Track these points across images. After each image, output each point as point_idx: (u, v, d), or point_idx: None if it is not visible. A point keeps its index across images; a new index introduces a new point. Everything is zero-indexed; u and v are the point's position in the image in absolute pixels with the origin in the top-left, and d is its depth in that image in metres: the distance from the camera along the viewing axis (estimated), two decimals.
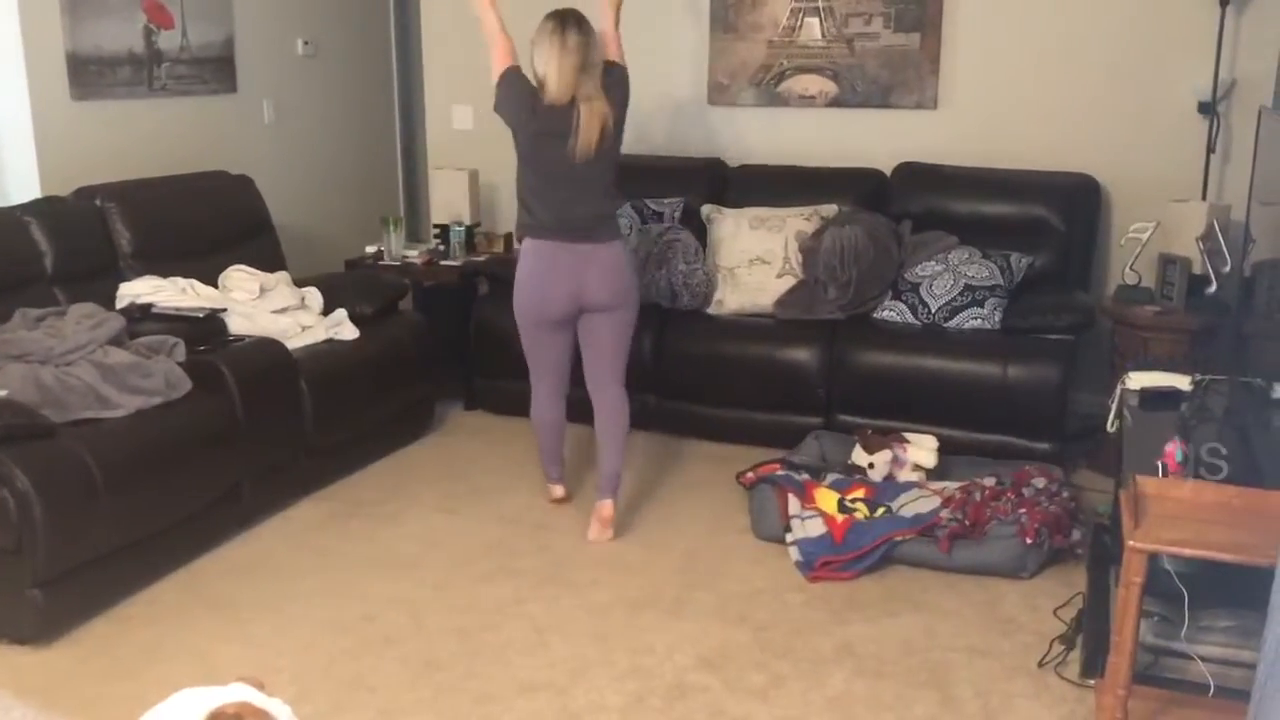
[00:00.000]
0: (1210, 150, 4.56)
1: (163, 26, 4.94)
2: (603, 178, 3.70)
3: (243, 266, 4.46)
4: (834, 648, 3.16)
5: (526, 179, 3.73)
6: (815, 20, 5.14)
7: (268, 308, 4.32)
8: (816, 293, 4.65)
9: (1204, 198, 4.52)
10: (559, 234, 3.67)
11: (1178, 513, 2.49)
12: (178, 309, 4.10)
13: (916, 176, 4.97)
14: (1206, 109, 4.56)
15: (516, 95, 3.66)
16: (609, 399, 3.85)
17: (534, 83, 3.64)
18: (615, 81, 3.70)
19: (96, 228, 4.27)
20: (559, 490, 4.13)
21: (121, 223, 4.33)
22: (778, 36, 5.20)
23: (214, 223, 4.68)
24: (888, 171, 5.04)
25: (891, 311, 4.60)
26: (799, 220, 4.82)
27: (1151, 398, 3.39)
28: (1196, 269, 4.22)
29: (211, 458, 3.66)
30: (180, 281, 4.25)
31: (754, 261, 4.78)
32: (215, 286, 4.37)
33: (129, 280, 4.22)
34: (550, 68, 3.58)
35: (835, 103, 5.18)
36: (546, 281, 3.69)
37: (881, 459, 4.02)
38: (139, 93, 4.86)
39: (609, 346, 3.81)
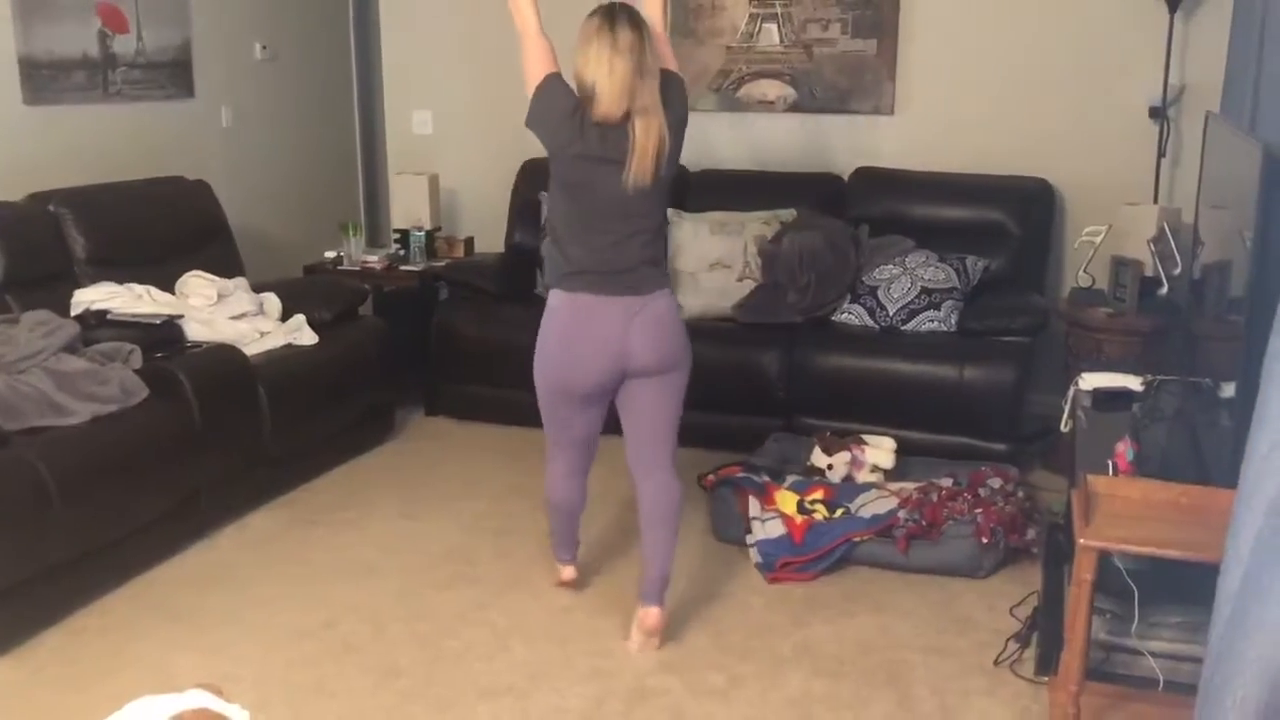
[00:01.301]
0: (1161, 154, 4.64)
1: (117, 31, 4.90)
2: (655, 213, 3.07)
3: (200, 272, 4.43)
4: (793, 648, 3.18)
5: (563, 213, 3.07)
6: (773, 26, 5.18)
7: (225, 314, 4.29)
8: (776, 296, 4.68)
9: (1155, 201, 4.60)
10: (600, 285, 3.00)
11: (1128, 511, 2.54)
12: (134, 315, 4.07)
13: (874, 181, 5.02)
14: (1157, 114, 4.64)
15: (559, 108, 2.96)
16: (657, 485, 3.18)
17: (578, 94, 2.97)
18: (674, 93, 3.03)
19: (50, 233, 4.22)
20: (569, 572, 3.49)
21: (76, 228, 4.28)
22: (736, 42, 5.23)
23: (171, 228, 4.64)
24: (845, 176, 5.08)
25: (850, 314, 4.64)
26: (758, 224, 4.86)
27: (1104, 398, 3.44)
28: (1148, 271, 4.29)
29: (168, 466, 3.63)
30: (136, 288, 4.21)
31: (714, 265, 4.81)
32: (172, 293, 4.33)
33: (84, 287, 4.18)
34: (600, 73, 2.89)
35: (794, 108, 5.22)
36: (580, 348, 3.02)
37: (840, 460, 4.05)
38: (94, 97, 4.82)
39: (656, 421, 3.14)
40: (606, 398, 3.13)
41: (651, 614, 3.16)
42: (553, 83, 2.99)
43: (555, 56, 3.03)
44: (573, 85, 2.97)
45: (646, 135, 2.92)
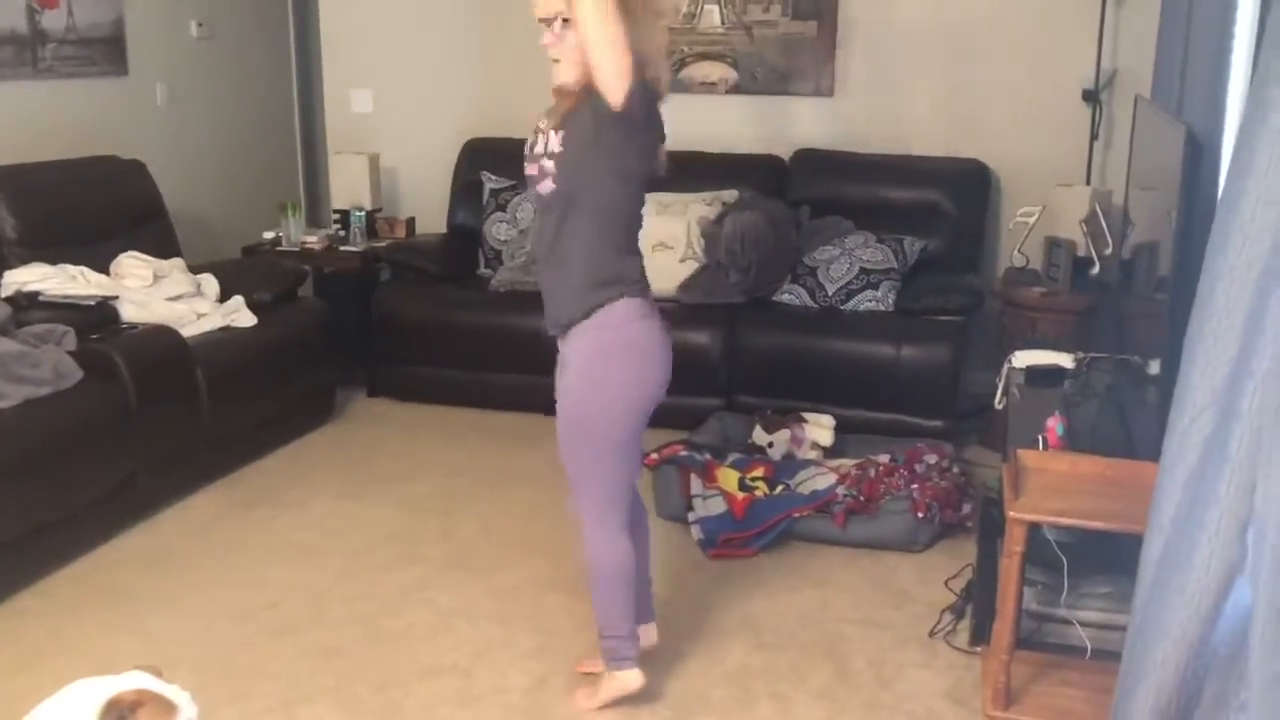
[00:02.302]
0: (1094, 137, 4.74)
1: (46, 6, 4.79)
2: None
3: (135, 253, 4.36)
4: (734, 622, 3.23)
5: (632, 210, 2.62)
6: (715, 7, 5.19)
7: (162, 295, 4.23)
8: (718, 277, 4.72)
9: (1088, 182, 4.69)
10: (649, 295, 2.67)
11: (1056, 484, 2.60)
12: (67, 297, 4.00)
13: (814, 163, 5.06)
14: (1090, 97, 4.73)
15: (650, 100, 2.51)
16: (635, 516, 2.90)
17: None
18: None
19: None
20: (637, 677, 2.82)
21: (5, 208, 4.18)
22: (678, 23, 5.24)
23: (104, 209, 4.55)
24: (786, 158, 5.12)
25: (790, 295, 4.69)
26: (701, 206, 4.88)
27: (1036, 375, 3.51)
28: (1080, 251, 4.37)
29: (104, 448, 3.59)
30: (70, 269, 4.13)
31: (657, 246, 4.81)
32: (107, 274, 4.26)
33: (14, 268, 4.10)
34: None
35: (735, 89, 5.24)
36: (658, 361, 2.68)
37: (781, 438, 4.11)
38: (23, 74, 4.71)
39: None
40: None
41: (651, 630, 3.00)
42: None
43: None
44: None
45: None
